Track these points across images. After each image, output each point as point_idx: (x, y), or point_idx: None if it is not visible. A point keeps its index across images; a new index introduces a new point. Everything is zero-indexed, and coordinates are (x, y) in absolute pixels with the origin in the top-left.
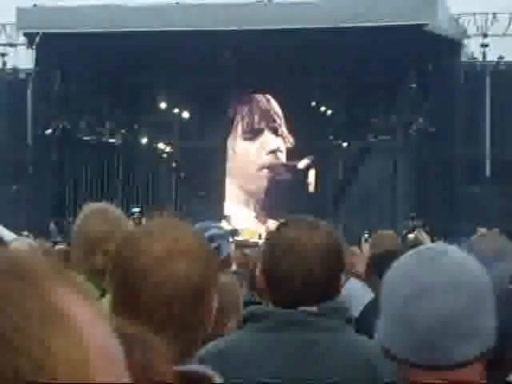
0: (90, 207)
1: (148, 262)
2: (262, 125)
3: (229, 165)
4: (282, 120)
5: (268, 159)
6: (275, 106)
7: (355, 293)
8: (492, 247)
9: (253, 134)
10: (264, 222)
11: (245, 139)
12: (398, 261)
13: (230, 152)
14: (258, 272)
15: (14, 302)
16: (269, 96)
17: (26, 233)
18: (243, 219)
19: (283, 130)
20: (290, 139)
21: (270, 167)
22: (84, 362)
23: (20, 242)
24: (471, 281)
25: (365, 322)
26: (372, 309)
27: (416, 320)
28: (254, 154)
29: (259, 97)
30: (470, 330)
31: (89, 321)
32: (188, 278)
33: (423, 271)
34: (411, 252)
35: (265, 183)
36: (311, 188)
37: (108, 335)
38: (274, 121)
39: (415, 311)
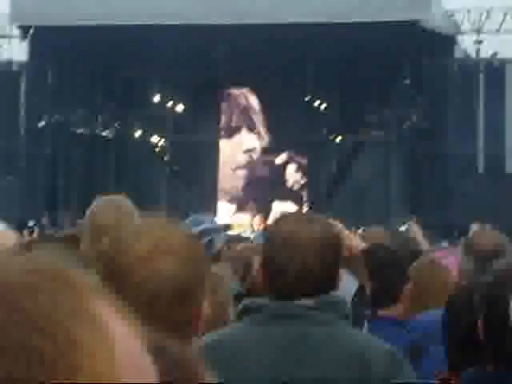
0: (102, 198)
1: (130, 262)
2: (240, 123)
3: None
4: (260, 117)
5: (243, 158)
6: (253, 102)
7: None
8: (492, 242)
9: (230, 131)
10: (252, 215)
11: (222, 137)
12: None
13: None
14: (256, 266)
15: (47, 294)
16: (246, 91)
17: (31, 223)
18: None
19: (260, 128)
20: (266, 138)
21: (247, 165)
22: (109, 360)
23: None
24: None
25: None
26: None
27: None
28: (229, 152)
29: (238, 93)
30: None
31: (121, 331)
32: (172, 277)
33: None
34: None
35: (240, 182)
36: (290, 183)
37: (139, 349)
38: (251, 119)
39: None
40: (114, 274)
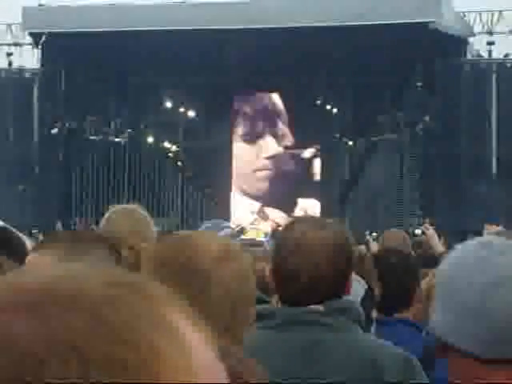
0: (116, 207)
1: (207, 263)
2: (264, 128)
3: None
4: (285, 119)
5: (266, 163)
6: (279, 105)
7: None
8: None
9: (253, 136)
10: (265, 219)
11: (245, 141)
12: (464, 253)
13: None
14: (267, 271)
15: (126, 305)
16: (273, 95)
17: (35, 230)
18: (243, 217)
19: (285, 130)
20: (290, 138)
21: (276, 157)
22: (188, 368)
23: None
24: None
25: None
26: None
27: (494, 313)
28: (251, 156)
29: (263, 96)
30: None
31: (196, 339)
32: (246, 277)
33: (496, 264)
34: (476, 244)
35: (261, 184)
36: (317, 177)
37: (213, 355)
38: (276, 124)
39: (492, 304)
40: (194, 275)
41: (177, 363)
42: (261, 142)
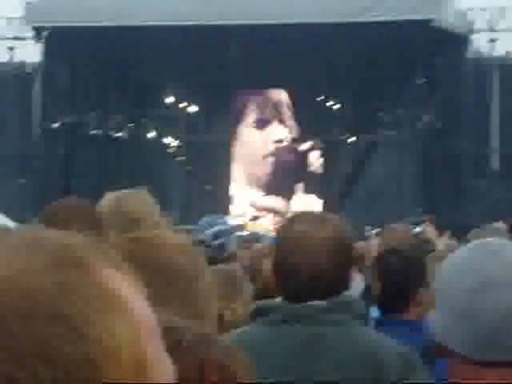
0: (121, 191)
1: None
2: (272, 116)
3: (236, 151)
4: (291, 112)
5: (274, 148)
6: (286, 99)
7: None
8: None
9: (262, 123)
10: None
11: (254, 127)
12: (458, 254)
13: (238, 139)
14: (267, 267)
15: (76, 291)
16: (282, 90)
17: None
18: (244, 212)
19: (291, 122)
20: (297, 129)
21: (275, 152)
22: (137, 341)
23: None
24: None
25: None
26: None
27: (481, 314)
28: (260, 142)
29: (272, 91)
30: None
31: (134, 298)
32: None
33: (488, 265)
34: (471, 246)
35: (269, 169)
36: (313, 168)
37: (146, 306)
38: (283, 113)
39: (480, 305)
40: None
41: (130, 341)
42: (270, 128)
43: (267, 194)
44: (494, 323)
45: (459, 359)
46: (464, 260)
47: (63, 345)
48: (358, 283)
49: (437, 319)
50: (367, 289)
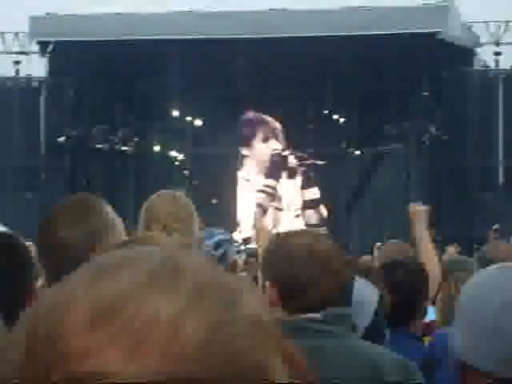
0: (160, 192)
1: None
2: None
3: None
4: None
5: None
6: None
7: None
8: (506, 255)
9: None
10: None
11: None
12: (484, 274)
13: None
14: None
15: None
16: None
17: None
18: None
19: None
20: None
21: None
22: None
23: None
24: None
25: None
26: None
27: (506, 332)
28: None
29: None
30: None
31: None
32: None
33: None
34: (496, 269)
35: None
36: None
37: None
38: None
39: (505, 323)
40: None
41: None
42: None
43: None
44: None
45: (484, 378)
46: (492, 280)
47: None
48: (372, 293)
49: (460, 338)
50: (381, 301)
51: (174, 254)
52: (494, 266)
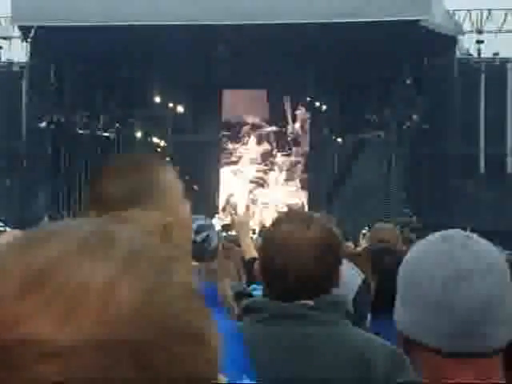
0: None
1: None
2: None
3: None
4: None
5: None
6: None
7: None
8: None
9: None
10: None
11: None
12: (425, 247)
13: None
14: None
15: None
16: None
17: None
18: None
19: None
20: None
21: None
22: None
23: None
24: (503, 267)
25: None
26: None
27: (455, 306)
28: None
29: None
30: (506, 316)
31: None
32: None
33: (458, 257)
34: (436, 238)
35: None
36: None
37: None
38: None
39: (454, 297)
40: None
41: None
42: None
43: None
44: (469, 314)
45: (432, 353)
46: (433, 254)
47: (199, 361)
48: (355, 276)
49: (403, 313)
50: (364, 284)
51: (107, 225)
52: (434, 236)
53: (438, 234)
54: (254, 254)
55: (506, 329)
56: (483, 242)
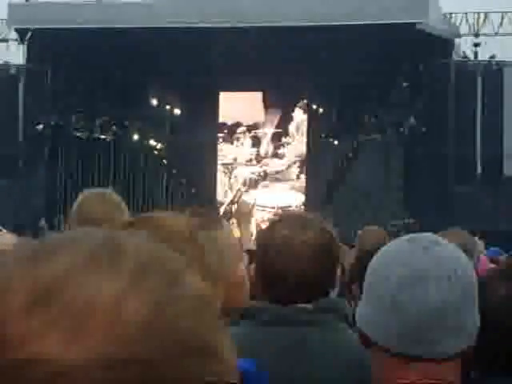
0: (89, 191)
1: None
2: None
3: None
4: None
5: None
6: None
7: None
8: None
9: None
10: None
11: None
12: (389, 246)
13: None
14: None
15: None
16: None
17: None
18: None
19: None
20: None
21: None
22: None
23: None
24: (464, 274)
25: None
26: None
27: (407, 307)
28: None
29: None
30: (459, 324)
31: None
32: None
33: (418, 259)
34: (403, 239)
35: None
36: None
37: None
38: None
39: (407, 298)
40: None
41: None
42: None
43: None
44: (419, 318)
45: (382, 352)
46: (394, 254)
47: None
48: None
49: (363, 310)
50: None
51: (114, 235)
52: (401, 239)
53: (408, 236)
54: (250, 246)
55: (458, 338)
56: (451, 248)
